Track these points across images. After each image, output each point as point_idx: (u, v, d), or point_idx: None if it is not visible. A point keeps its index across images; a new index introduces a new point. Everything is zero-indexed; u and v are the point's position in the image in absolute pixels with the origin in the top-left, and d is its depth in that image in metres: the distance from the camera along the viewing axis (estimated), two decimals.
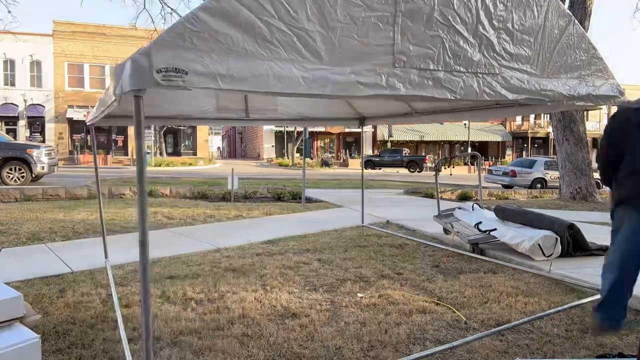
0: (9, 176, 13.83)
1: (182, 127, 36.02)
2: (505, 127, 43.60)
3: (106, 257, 4.70)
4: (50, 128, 32.49)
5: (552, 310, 3.57)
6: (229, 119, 5.63)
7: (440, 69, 2.46)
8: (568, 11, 2.98)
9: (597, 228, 7.37)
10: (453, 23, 2.52)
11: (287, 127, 38.27)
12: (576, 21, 2.96)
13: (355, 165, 35.76)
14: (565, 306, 3.67)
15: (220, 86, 1.94)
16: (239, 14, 1.99)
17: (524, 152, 43.25)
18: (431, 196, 12.51)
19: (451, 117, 4.53)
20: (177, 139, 38.02)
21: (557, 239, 5.00)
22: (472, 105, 4.01)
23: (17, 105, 31.36)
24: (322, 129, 39.62)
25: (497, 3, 2.66)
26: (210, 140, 42.68)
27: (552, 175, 17.53)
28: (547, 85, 2.82)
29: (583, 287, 4.15)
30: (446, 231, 6.49)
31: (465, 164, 36.60)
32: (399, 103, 4.83)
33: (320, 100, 5.36)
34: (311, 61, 2.15)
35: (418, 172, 32.41)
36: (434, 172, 8.31)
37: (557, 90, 2.85)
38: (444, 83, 2.46)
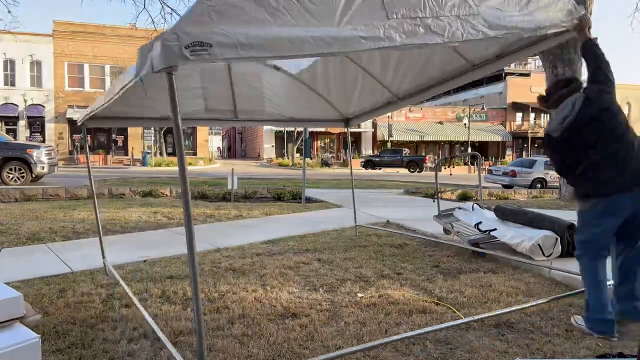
0: (9, 176, 13.85)
1: (182, 127, 36.00)
2: (505, 127, 43.61)
3: (103, 257, 4.71)
4: (50, 128, 32.52)
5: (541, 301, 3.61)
6: (218, 120, 5.65)
7: (428, 15, 2.58)
8: None
9: None
10: None
11: (286, 127, 38.28)
12: None
13: (355, 165, 35.81)
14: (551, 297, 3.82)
15: (240, 54, 2.06)
16: None
17: (524, 152, 43.26)
18: (431, 196, 12.50)
19: (433, 93, 4.56)
20: None
21: (557, 238, 5.01)
22: (450, 75, 4.16)
23: (17, 105, 31.40)
24: (322, 129, 39.63)
25: None
26: (210, 140, 42.69)
27: (552, 175, 17.54)
28: (517, 20, 2.88)
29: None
30: (446, 231, 6.49)
31: (465, 164, 36.61)
32: (380, 91, 4.84)
33: (305, 101, 5.45)
34: (314, 24, 2.28)
35: (418, 172, 32.44)
36: (434, 172, 8.32)
37: (525, 26, 2.90)
38: (432, 29, 2.57)
